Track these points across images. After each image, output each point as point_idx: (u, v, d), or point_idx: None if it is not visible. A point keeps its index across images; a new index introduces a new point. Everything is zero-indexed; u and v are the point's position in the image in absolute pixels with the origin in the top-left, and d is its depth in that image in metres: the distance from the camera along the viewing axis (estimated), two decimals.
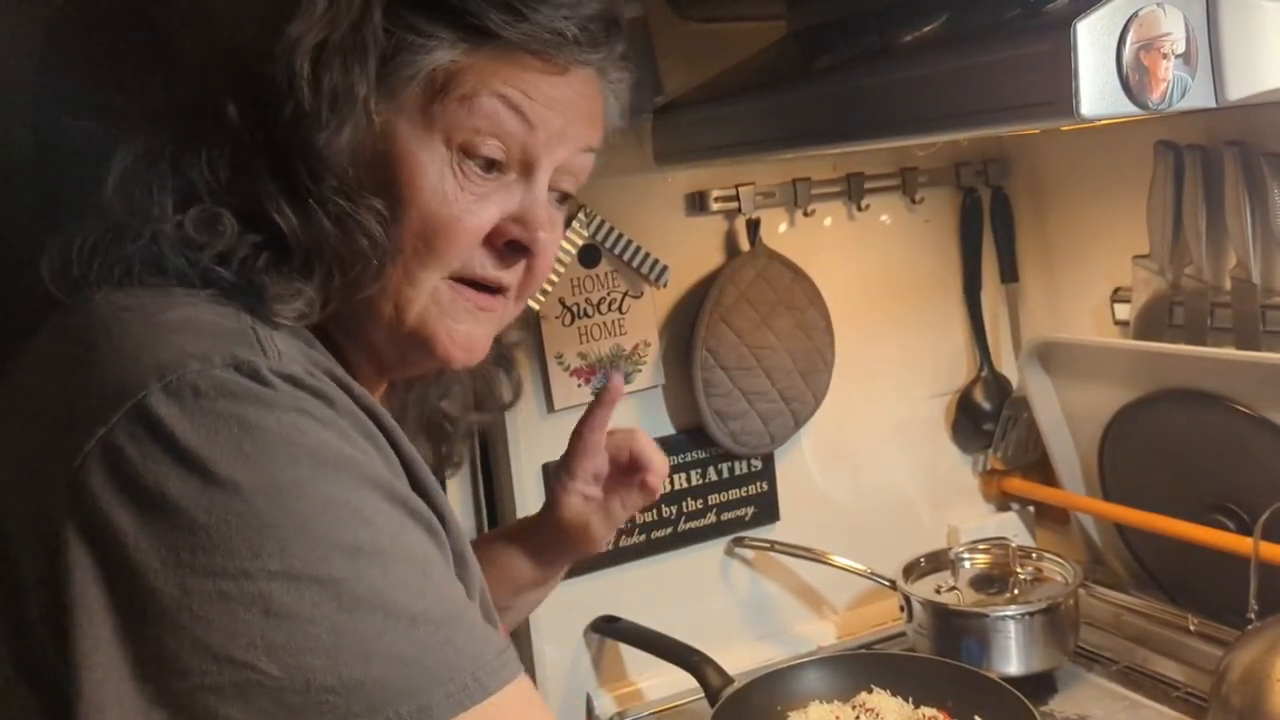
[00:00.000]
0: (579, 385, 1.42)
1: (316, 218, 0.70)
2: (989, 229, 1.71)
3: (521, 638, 1.44)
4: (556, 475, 1.11)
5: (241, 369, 0.63)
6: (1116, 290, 1.56)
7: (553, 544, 1.11)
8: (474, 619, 0.68)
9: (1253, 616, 1.19)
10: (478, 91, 0.72)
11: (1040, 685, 1.37)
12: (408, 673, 0.61)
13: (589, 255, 1.41)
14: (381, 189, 0.72)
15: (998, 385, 1.72)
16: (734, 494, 1.55)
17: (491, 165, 0.75)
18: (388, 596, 0.62)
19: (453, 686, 0.62)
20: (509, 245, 0.77)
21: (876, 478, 1.67)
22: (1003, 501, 1.77)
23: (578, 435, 1.09)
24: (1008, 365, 1.73)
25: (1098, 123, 0.83)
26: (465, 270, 0.76)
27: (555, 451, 1.42)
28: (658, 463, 1.08)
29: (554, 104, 0.75)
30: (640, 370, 1.46)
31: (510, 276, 0.79)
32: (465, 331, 0.78)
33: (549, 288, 1.37)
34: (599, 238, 1.40)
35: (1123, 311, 1.54)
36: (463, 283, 0.77)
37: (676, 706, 1.42)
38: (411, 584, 0.64)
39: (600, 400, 1.08)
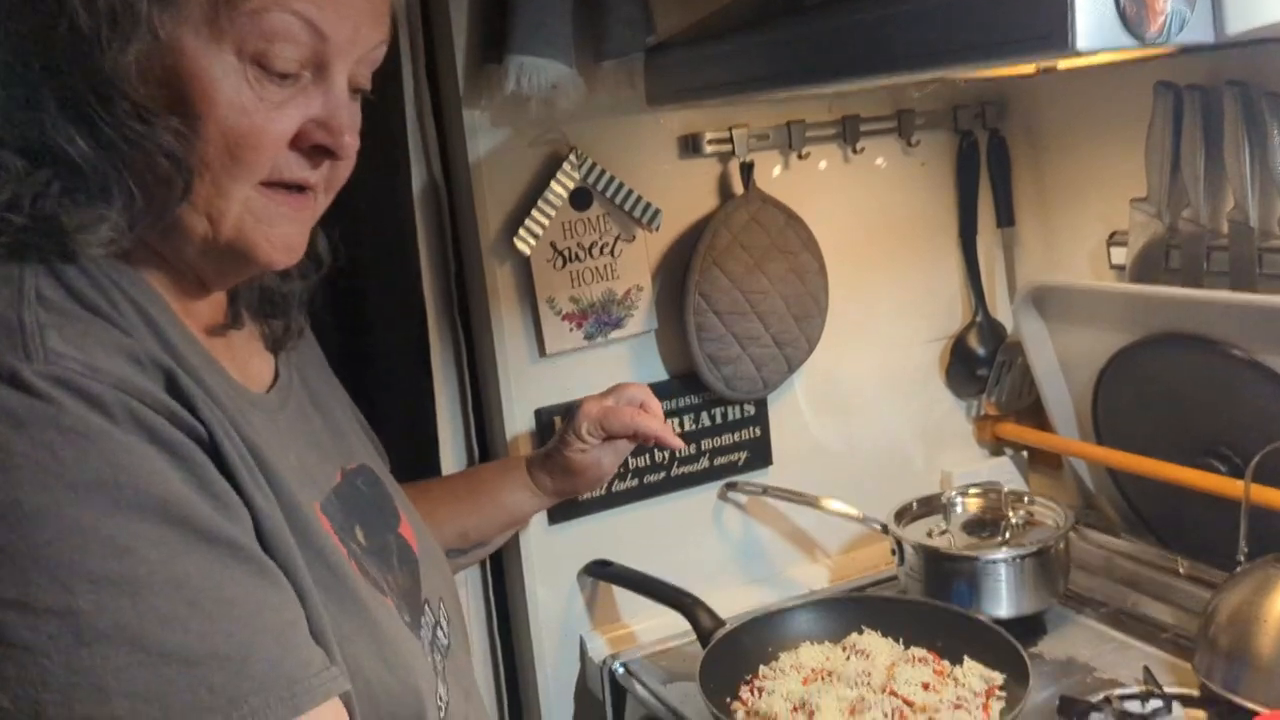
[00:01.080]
0: (570, 329, 1.41)
1: (110, 143, 0.67)
2: (985, 172, 1.69)
3: (515, 581, 1.45)
4: (563, 436, 1.25)
5: (1, 375, 0.61)
6: (1113, 234, 1.55)
7: (564, 482, 1.27)
8: (257, 654, 0.64)
9: (1242, 558, 1.19)
10: (267, 7, 0.69)
11: (1030, 627, 1.38)
12: (148, 713, 0.59)
13: (580, 198, 1.40)
14: (176, 105, 0.69)
15: (992, 330, 1.72)
16: (727, 439, 1.55)
17: (286, 74, 0.72)
18: (135, 630, 0.59)
19: None
20: (315, 148, 0.75)
21: (870, 423, 1.67)
22: (996, 446, 1.77)
23: (587, 415, 1.24)
24: (1003, 310, 1.72)
25: (1095, 58, 0.82)
26: (274, 175, 0.74)
27: (547, 396, 1.43)
28: (654, 418, 1.26)
29: (344, 9, 0.73)
30: (632, 315, 1.45)
31: (316, 176, 0.77)
32: (283, 234, 0.77)
33: (540, 231, 1.35)
34: (590, 180, 1.38)
35: (1119, 255, 1.53)
36: (273, 186, 0.75)
37: (669, 649, 1.43)
38: (170, 616, 0.61)
39: (639, 433, 1.24)
